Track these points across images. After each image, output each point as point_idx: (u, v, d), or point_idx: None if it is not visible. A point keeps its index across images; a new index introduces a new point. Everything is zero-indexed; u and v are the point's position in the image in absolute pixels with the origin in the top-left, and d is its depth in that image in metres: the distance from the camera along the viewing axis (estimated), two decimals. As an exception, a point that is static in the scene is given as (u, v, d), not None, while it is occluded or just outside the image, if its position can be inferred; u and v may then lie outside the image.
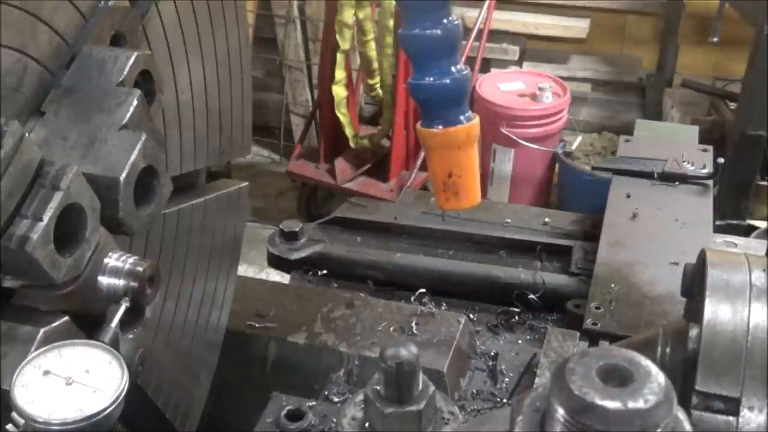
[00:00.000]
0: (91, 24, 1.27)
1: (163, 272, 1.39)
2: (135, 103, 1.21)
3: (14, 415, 0.99)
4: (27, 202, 1.07)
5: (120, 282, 1.19)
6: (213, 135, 1.63)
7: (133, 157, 1.18)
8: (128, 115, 1.20)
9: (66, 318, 1.15)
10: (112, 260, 1.20)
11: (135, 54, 1.25)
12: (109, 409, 1.01)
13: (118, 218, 1.18)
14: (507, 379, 1.90)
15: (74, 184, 1.10)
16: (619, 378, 0.75)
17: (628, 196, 2.42)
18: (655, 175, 2.48)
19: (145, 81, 1.29)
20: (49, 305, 1.15)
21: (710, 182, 2.47)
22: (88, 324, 1.19)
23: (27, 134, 1.09)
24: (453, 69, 1.52)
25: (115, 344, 1.15)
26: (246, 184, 1.86)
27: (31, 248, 1.03)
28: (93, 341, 1.11)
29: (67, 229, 1.11)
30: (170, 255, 1.57)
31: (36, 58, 1.18)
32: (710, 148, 2.69)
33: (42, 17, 1.17)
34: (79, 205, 1.11)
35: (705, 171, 2.50)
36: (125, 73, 1.23)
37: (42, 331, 1.11)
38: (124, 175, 1.16)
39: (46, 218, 1.05)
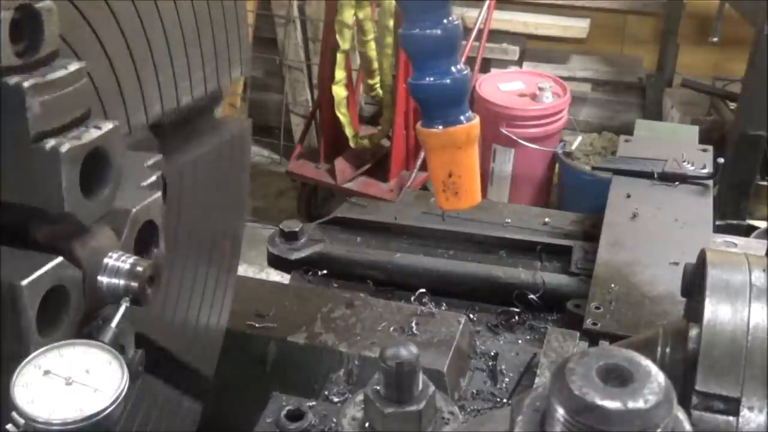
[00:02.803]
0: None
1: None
2: (155, 177, 1.33)
3: (14, 415, 0.99)
4: (68, 130, 1.12)
5: (120, 282, 1.19)
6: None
7: (145, 202, 1.27)
8: (149, 181, 1.32)
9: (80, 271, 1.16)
10: (112, 260, 1.20)
11: (159, 156, 1.38)
12: (109, 409, 1.01)
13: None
14: (507, 379, 1.90)
15: (113, 133, 1.16)
16: (619, 378, 0.75)
17: (628, 196, 2.42)
18: (655, 175, 2.48)
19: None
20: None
21: (710, 182, 2.47)
22: (87, 324, 1.19)
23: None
24: (453, 69, 1.52)
25: (115, 344, 1.15)
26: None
27: (63, 149, 1.07)
28: (93, 341, 1.11)
29: (91, 185, 1.14)
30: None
31: None
32: (710, 148, 2.69)
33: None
34: (108, 156, 1.16)
35: (705, 171, 2.50)
36: (150, 163, 1.37)
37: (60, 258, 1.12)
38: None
39: (83, 140, 1.11)
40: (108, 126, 1.16)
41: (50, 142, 1.08)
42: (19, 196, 1.12)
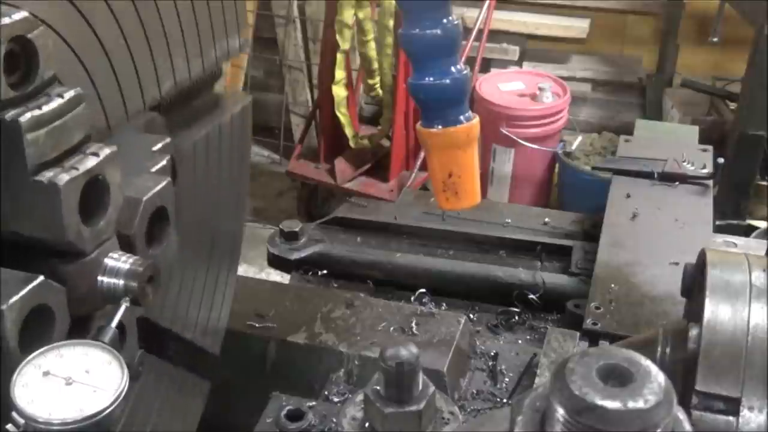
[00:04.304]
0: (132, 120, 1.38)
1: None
2: (165, 162, 1.35)
3: (14, 415, 0.99)
4: (66, 160, 1.12)
5: (120, 282, 1.19)
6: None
7: (156, 189, 1.28)
8: (158, 166, 1.33)
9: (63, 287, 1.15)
10: (112, 260, 1.20)
11: (168, 138, 1.38)
12: (109, 409, 1.01)
13: (128, 237, 1.22)
14: (507, 379, 1.90)
15: (111, 161, 1.16)
16: (619, 378, 0.75)
17: (628, 196, 2.42)
18: (655, 175, 2.48)
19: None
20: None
21: (710, 182, 2.47)
22: (88, 324, 1.19)
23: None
24: (453, 69, 1.52)
25: (115, 344, 1.15)
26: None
27: (61, 182, 1.07)
28: (93, 341, 1.11)
29: (89, 211, 1.14)
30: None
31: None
32: (710, 148, 2.69)
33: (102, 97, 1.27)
34: (107, 184, 1.16)
35: (705, 171, 2.50)
36: (159, 146, 1.37)
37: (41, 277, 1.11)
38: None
39: (81, 170, 1.11)
40: (106, 151, 1.16)
41: (48, 174, 1.08)
42: (19, 227, 1.12)
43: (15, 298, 1.05)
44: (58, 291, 1.13)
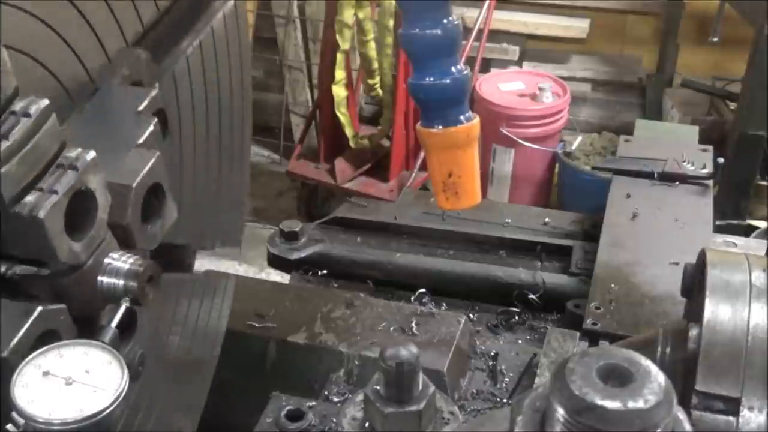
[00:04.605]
0: (114, 67, 1.32)
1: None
2: (152, 128, 1.27)
3: (14, 415, 0.99)
4: (44, 179, 1.09)
5: (120, 282, 1.19)
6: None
7: (146, 169, 1.22)
8: (145, 135, 1.25)
9: (63, 306, 1.15)
10: (112, 260, 1.20)
11: (155, 91, 1.30)
12: (109, 409, 1.01)
13: (123, 227, 1.20)
14: (507, 379, 1.90)
15: (92, 169, 1.13)
16: (619, 378, 0.75)
17: (628, 196, 2.42)
18: (655, 175, 2.48)
19: (160, 119, 1.32)
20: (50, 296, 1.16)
21: (710, 182, 2.47)
22: (88, 324, 1.19)
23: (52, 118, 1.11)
24: (453, 69, 1.52)
25: (115, 344, 1.15)
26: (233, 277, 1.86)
27: (42, 214, 1.04)
28: (93, 341, 1.11)
29: (77, 221, 1.12)
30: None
31: (65, 87, 1.22)
32: (710, 148, 2.69)
33: (77, 50, 1.22)
34: (91, 192, 1.13)
35: (705, 171, 2.50)
36: (144, 104, 1.28)
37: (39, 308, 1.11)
38: (135, 183, 1.19)
39: (60, 191, 1.08)
40: (85, 160, 1.12)
41: (28, 202, 1.05)
42: (11, 250, 1.11)
43: (14, 342, 1.05)
44: (58, 313, 1.13)
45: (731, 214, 3.95)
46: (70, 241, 1.11)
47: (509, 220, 2.52)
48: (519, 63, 5.64)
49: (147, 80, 1.39)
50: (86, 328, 1.18)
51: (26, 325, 1.07)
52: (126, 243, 1.23)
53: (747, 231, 3.68)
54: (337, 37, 3.89)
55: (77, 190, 1.11)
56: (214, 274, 1.82)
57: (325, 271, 2.36)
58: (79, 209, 1.12)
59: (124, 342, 1.23)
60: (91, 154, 1.13)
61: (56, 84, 1.24)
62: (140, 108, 1.29)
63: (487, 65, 5.47)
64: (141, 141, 1.26)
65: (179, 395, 1.67)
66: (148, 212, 1.26)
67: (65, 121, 1.23)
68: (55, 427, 0.98)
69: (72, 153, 1.12)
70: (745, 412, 1.11)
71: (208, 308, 1.73)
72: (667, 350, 1.27)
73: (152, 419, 1.52)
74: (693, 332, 1.20)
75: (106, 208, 1.17)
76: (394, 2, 3.73)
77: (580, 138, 4.72)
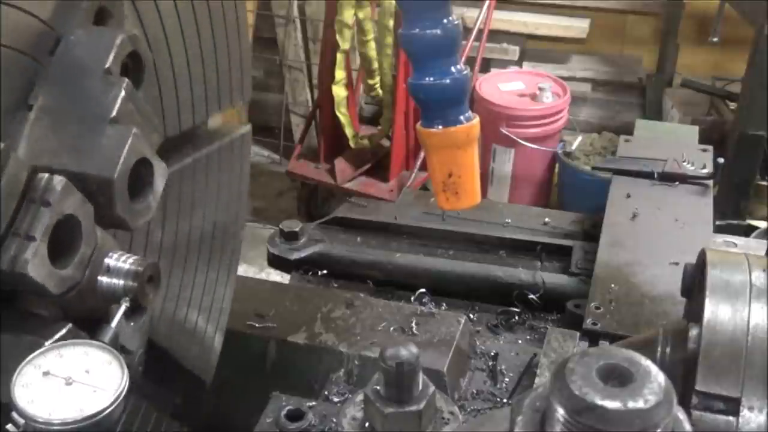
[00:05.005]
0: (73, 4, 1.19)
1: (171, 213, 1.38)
2: (122, 95, 1.16)
3: (14, 415, 0.99)
4: (19, 218, 1.05)
5: (120, 282, 1.19)
6: (211, 85, 1.57)
7: (124, 154, 1.14)
8: (116, 107, 1.16)
9: (70, 325, 1.15)
10: (112, 260, 1.20)
11: (120, 37, 1.19)
12: (110, 409, 1.01)
13: (114, 216, 1.17)
14: (507, 379, 1.90)
15: (64, 196, 1.08)
16: (619, 378, 0.75)
17: (628, 196, 2.42)
18: (655, 175, 2.48)
19: (133, 61, 1.23)
20: (52, 309, 1.15)
21: (710, 182, 2.47)
22: (88, 324, 1.19)
23: (13, 151, 1.06)
24: (453, 69, 1.52)
25: (115, 344, 1.15)
26: (249, 128, 1.77)
27: (25, 269, 1.03)
28: (93, 341, 1.11)
29: (63, 237, 1.10)
30: (177, 200, 1.55)
31: (19, 49, 1.13)
32: (710, 148, 2.69)
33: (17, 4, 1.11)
34: (71, 216, 1.10)
35: (705, 171, 2.50)
36: (111, 59, 1.17)
37: (47, 343, 1.10)
38: (116, 174, 1.13)
39: (38, 236, 1.04)
40: (56, 190, 1.07)
41: (9, 255, 1.03)
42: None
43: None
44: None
45: (731, 214, 3.95)
46: (60, 273, 1.10)
47: (509, 220, 2.52)
48: (519, 63, 5.64)
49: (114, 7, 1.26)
50: (92, 327, 1.19)
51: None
52: (119, 226, 1.21)
53: (747, 231, 3.68)
54: (337, 37, 3.89)
55: (56, 222, 1.08)
56: (227, 128, 1.76)
57: (325, 271, 2.36)
58: (62, 230, 1.10)
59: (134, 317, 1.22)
60: (61, 182, 1.08)
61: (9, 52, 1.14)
62: (108, 63, 1.17)
63: (487, 65, 5.47)
64: (114, 114, 1.16)
65: (210, 273, 1.68)
66: (136, 185, 1.20)
67: (34, 90, 1.15)
68: (55, 427, 0.98)
69: (41, 183, 1.08)
70: (745, 412, 1.11)
71: (227, 171, 1.69)
72: (667, 350, 1.27)
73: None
74: (693, 332, 1.20)
75: (89, 220, 1.14)
76: (394, 2, 3.73)
77: (580, 138, 4.72)
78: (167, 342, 1.57)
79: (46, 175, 1.08)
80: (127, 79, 1.15)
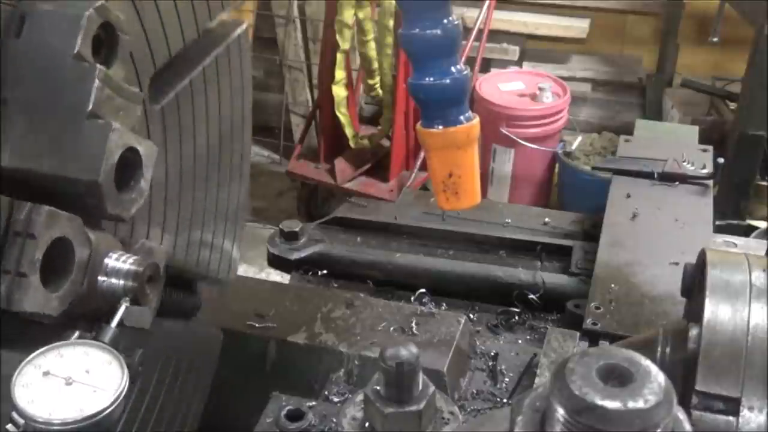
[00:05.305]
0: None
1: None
2: (96, 84, 1.09)
3: (14, 415, 0.99)
4: (6, 254, 1.04)
5: (120, 282, 1.19)
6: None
7: (107, 154, 1.09)
8: (92, 100, 1.09)
9: (77, 333, 1.15)
10: (112, 260, 1.20)
11: (86, 14, 1.09)
12: (110, 409, 1.01)
13: (105, 214, 1.15)
14: (507, 379, 1.90)
15: (49, 226, 1.06)
16: (619, 378, 0.75)
17: (628, 196, 2.42)
18: (655, 175, 2.48)
19: (106, 32, 1.15)
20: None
21: (710, 182, 2.47)
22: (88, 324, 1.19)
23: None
24: (453, 69, 1.52)
25: (115, 344, 1.15)
26: (245, 26, 1.67)
27: (21, 306, 1.03)
28: (93, 341, 1.11)
29: (55, 255, 1.09)
30: (177, 126, 1.47)
31: None
32: (710, 148, 2.69)
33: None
34: (60, 238, 1.09)
35: (705, 171, 2.50)
36: (80, 41, 1.08)
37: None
38: (102, 176, 1.09)
39: (29, 271, 1.03)
40: (40, 222, 1.04)
41: (4, 300, 1.02)
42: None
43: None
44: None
45: (731, 214, 3.95)
46: (57, 295, 1.09)
47: (509, 220, 2.52)
48: (519, 63, 5.64)
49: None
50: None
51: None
52: (113, 219, 1.19)
53: (747, 231, 3.68)
54: (337, 37, 3.89)
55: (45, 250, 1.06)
56: (221, 31, 1.64)
57: (325, 271, 2.36)
58: (53, 251, 1.08)
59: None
60: (43, 211, 1.05)
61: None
62: (77, 47, 1.09)
63: (487, 65, 5.47)
64: (90, 107, 1.09)
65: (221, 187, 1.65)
66: (125, 172, 1.15)
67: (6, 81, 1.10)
68: (55, 427, 0.98)
69: (21, 214, 1.04)
70: (745, 412, 1.11)
71: (227, 77, 1.59)
72: (667, 350, 1.27)
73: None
74: (693, 332, 1.20)
75: (79, 234, 1.12)
76: (394, 2, 3.73)
77: (580, 138, 4.72)
78: (186, 265, 1.54)
79: (28, 205, 1.05)
80: (99, 67, 1.07)
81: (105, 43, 1.16)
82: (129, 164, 1.17)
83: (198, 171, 1.57)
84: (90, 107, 1.09)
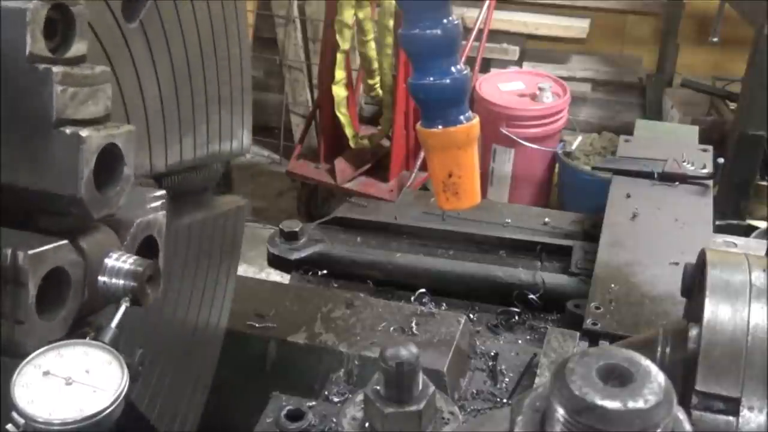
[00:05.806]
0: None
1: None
2: (57, 91, 1.04)
3: (14, 415, 0.99)
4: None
5: (120, 282, 1.19)
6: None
7: (81, 165, 1.07)
8: (54, 107, 1.04)
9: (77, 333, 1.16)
10: (112, 260, 1.20)
11: (31, 5, 1.01)
12: (109, 409, 1.01)
13: (92, 220, 1.16)
14: (507, 379, 1.90)
15: (35, 267, 1.05)
16: (619, 378, 0.75)
17: (628, 196, 2.42)
18: (655, 175, 2.48)
19: (62, 13, 1.08)
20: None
21: (710, 182, 2.47)
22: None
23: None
24: (453, 69, 1.52)
25: (115, 344, 1.14)
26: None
27: (25, 350, 1.04)
28: (93, 341, 1.11)
29: (49, 284, 1.09)
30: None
31: None
32: (710, 148, 2.69)
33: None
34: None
35: (705, 171, 2.50)
36: (29, 40, 1.02)
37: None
38: (82, 190, 1.08)
39: (26, 318, 1.05)
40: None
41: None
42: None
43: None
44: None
45: (731, 214, 3.95)
46: (57, 322, 1.10)
47: (509, 220, 2.52)
48: (519, 63, 5.64)
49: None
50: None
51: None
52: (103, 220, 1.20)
53: (747, 231, 3.68)
54: (337, 37, 3.89)
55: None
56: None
57: (325, 271, 2.36)
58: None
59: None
60: (26, 258, 1.04)
61: None
62: (28, 47, 1.02)
63: (487, 65, 5.47)
64: (54, 116, 1.05)
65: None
66: (106, 164, 1.13)
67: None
68: (55, 427, 0.98)
69: (6, 260, 1.04)
70: (745, 412, 1.11)
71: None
72: (667, 350, 1.27)
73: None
74: (693, 332, 1.20)
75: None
76: (394, 2, 3.73)
77: (580, 138, 4.72)
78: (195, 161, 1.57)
79: (9, 252, 1.04)
80: (54, 68, 1.03)
81: (60, 22, 1.09)
82: (107, 153, 1.13)
83: (193, 70, 1.53)
84: (54, 117, 1.06)
